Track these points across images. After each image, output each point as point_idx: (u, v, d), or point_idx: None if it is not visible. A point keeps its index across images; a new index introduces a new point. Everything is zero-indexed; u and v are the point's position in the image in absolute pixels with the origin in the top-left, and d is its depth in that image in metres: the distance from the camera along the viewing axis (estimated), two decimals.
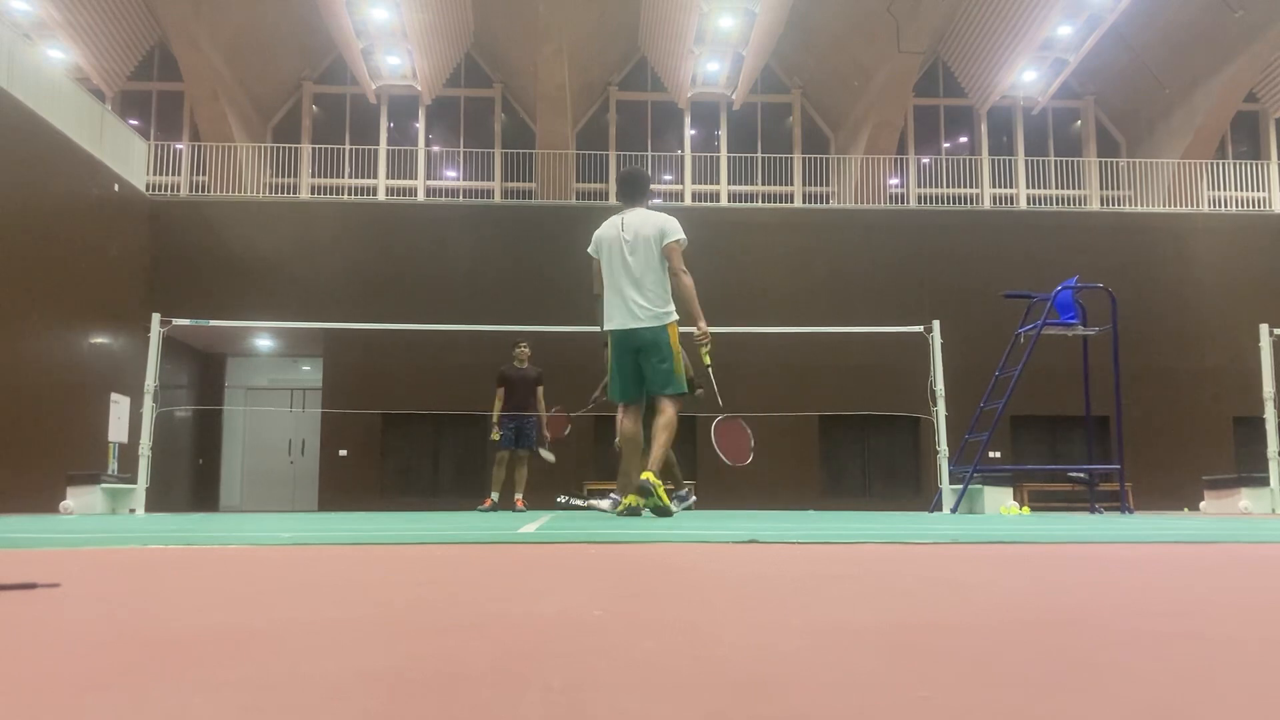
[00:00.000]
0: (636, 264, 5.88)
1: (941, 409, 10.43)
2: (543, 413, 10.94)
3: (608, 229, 6.09)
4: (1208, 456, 16.38)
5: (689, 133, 21.00)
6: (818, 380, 16.63)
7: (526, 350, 10.89)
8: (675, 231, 5.97)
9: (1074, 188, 20.59)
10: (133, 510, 10.32)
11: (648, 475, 5.57)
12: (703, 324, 5.99)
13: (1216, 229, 18.29)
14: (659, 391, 5.84)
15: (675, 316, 5.91)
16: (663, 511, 5.60)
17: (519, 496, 10.75)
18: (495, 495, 10.64)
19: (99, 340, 15.13)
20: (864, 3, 18.30)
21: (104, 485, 11.02)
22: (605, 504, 7.89)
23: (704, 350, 6.15)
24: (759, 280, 17.27)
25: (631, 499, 5.77)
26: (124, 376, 15.02)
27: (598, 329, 6.21)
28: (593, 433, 15.40)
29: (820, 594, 1.44)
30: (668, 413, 5.80)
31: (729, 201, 19.94)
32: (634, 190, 6.20)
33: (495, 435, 10.70)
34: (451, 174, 20.50)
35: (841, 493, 17.26)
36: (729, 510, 11.70)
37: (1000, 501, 10.16)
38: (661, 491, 5.62)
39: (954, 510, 9.51)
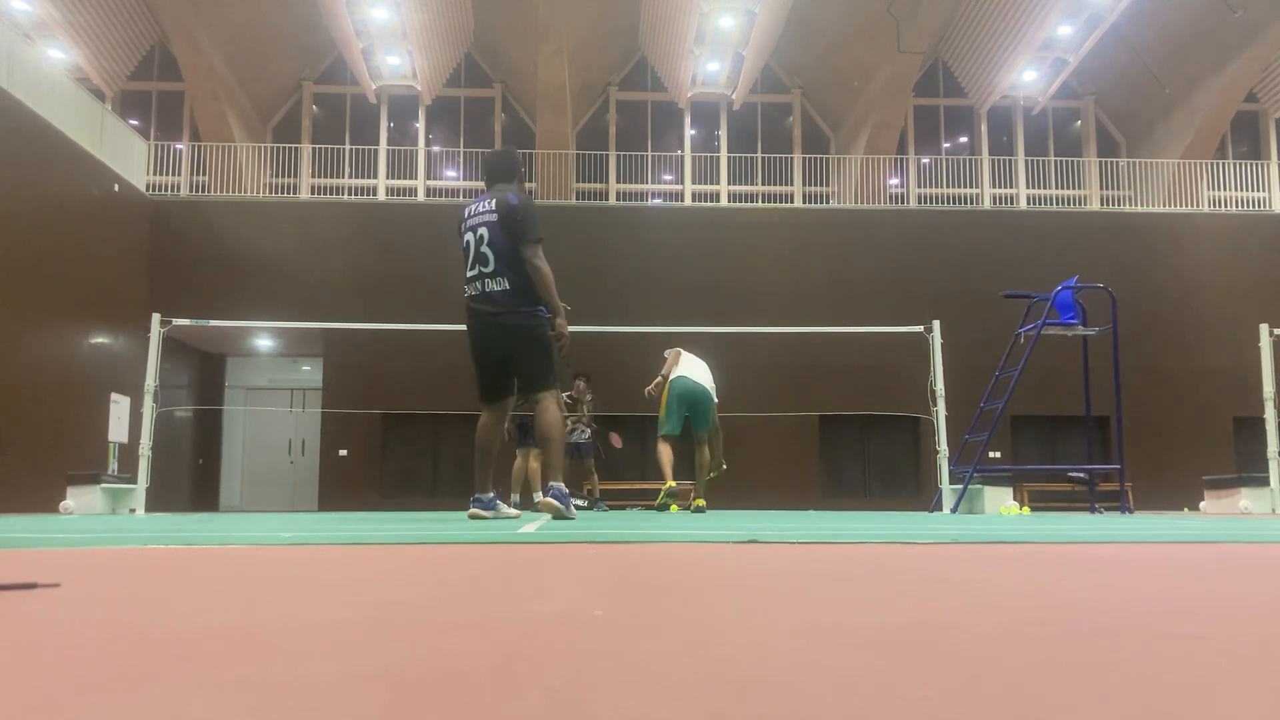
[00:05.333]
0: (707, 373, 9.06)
1: (941, 409, 10.43)
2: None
3: (687, 355, 9.10)
4: (1208, 456, 16.38)
5: (689, 133, 21.00)
6: (818, 380, 16.63)
7: None
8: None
9: (1074, 188, 20.59)
10: (133, 510, 10.32)
11: (701, 502, 8.74)
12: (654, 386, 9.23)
13: (1216, 229, 18.29)
14: (705, 431, 8.76)
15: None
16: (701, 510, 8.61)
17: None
18: (517, 496, 10.63)
19: (99, 340, 15.13)
20: (864, 3, 18.30)
21: (104, 485, 11.01)
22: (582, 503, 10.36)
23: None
24: (759, 280, 17.27)
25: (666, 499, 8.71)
26: (124, 376, 15.02)
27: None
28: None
29: (820, 594, 1.44)
30: (708, 453, 8.79)
31: (729, 201, 19.94)
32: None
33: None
34: (451, 174, 20.51)
35: (841, 493, 17.26)
36: (729, 510, 11.69)
37: (1000, 501, 10.15)
38: (702, 503, 8.74)
39: (954, 510, 9.51)
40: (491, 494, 5.68)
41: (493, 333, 5.48)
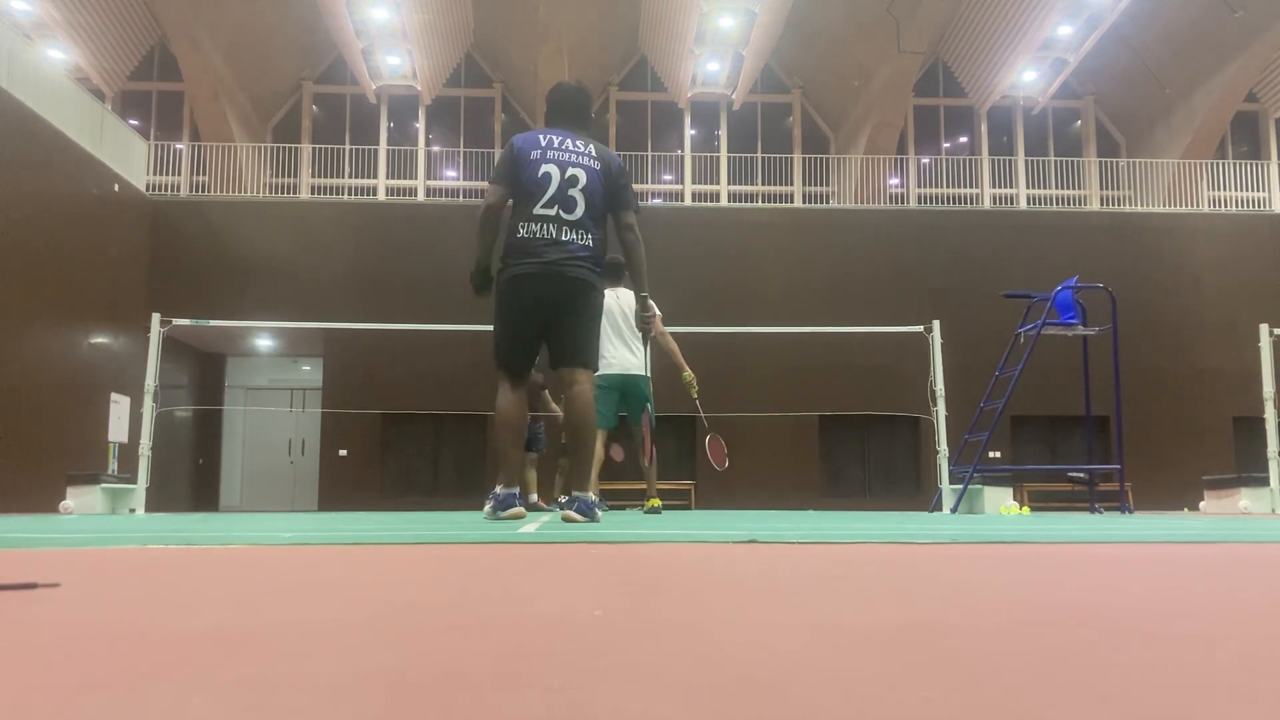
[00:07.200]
0: (627, 330, 7.39)
1: (941, 409, 10.43)
2: (553, 409, 11.10)
3: (606, 299, 7.57)
4: (1208, 456, 16.38)
5: (689, 133, 21.00)
6: (818, 380, 16.64)
7: None
8: None
9: (1074, 188, 20.60)
10: (133, 510, 10.32)
11: (656, 501, 7.56)
12: (687, 370, 7.90)
13: (1216, 229, 18.30)
14: (640, 424, 7.51)
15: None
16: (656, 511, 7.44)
17: (533, 498, 10.88)
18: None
19: (99, 340, 15.14)
20: (864, 3, 18.31)
21: (104, 485, 11.02)
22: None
23: (693, 391, 7.94)
24: (759, 280, 17.27)
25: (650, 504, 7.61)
26: (124, 376, 15.02)
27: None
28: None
29: (820, 594, 1.44)
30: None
31: (729, 201, 19.95)
32: (620, 273, 7.34)
33: None
34: (451, 174, 20.51)
35: (841, 493, 17.26)
36: (729, 510, 11.70)
37: (1000, 501, 10.15)
38: (657, 502, 7.69)
39: (954, 510, 9.51)
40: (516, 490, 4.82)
41: (558, 284, 4.60)
